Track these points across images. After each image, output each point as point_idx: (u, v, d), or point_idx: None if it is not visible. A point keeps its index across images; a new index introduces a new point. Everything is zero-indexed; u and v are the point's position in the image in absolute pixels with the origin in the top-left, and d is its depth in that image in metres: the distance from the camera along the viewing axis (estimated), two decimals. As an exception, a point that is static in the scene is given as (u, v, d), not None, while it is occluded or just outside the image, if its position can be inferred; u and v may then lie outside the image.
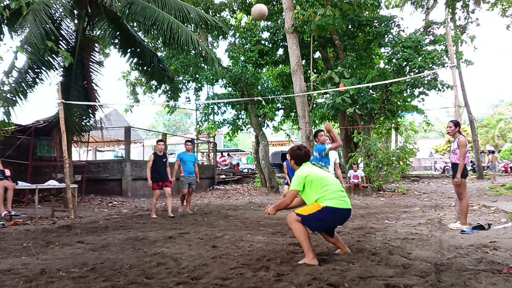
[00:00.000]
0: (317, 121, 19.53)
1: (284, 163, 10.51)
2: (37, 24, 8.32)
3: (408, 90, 14.73)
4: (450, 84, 13.61)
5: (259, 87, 17.81)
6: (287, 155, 4.28)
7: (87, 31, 11.32)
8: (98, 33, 12.07)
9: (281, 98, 17.54)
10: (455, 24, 17.95)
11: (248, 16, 20.05)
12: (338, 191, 3.91)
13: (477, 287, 3.02)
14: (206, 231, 6.01)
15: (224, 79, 17.29)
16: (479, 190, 13.98)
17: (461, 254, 4.14)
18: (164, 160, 8.47)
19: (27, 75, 9.98)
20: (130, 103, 20.03)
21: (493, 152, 23.46)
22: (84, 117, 11.23)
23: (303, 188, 3.92)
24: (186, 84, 19.14)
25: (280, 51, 18.02)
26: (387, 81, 12.61)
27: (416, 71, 13.80)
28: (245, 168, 28.12)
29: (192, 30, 14.28)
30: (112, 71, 46.26)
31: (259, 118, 17.67)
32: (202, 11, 13.10)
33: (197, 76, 17.88)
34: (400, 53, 13.81)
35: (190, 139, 10.47)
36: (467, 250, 4.33)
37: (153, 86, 17.14)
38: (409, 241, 4.96)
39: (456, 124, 6.24)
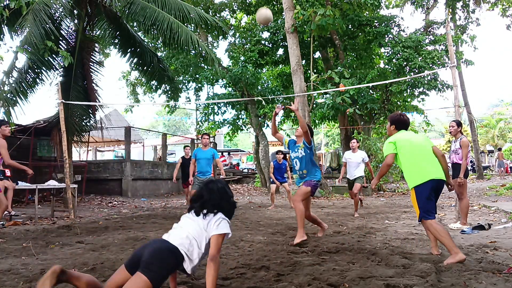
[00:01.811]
0: (317, 121, 19.54)
1: (272, 162, 10.55)
2: (37, 24, 8.31)
3: (408, 90, 14.74)
4: (450, 84, 13.61)
5: (259, 87, 17.82)
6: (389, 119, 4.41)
7: (87, 31, 11.32)
8: (98, 33, 12.07)
9: (281, 98, 17.54)
10: (455, 24, 17.94)
11: (248, 16, 20.07)
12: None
13: (477, 287, 3.02)
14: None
15: (224, 79, 17.30)
16: (479, 190, 13.97)
17: (461, 254, 4.13)
18: (190, 162, 8.58)
19: (27, 75, 9.98)
20: (130, 103, 20.04)
21: (499, 149, 23.46)
22: (84, 117, 11.22)
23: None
24: (186, 84, 19.14)
25: (280, 51, 18.02)
26: (387, 81, 12.61)
27: (416, 71, 13.80)
28: (245, 168, 28.13)
29: (192, 30, 14.28)
30: (112, 71, 46.30)
31: (259, 118, 17.67)
32: (202, 11, 13.09)
33: (197, 76, 17.89)
34: (400, 53, 13.82)
35: (207, 133, 9.02)
36: (467, 250, 4.32)
37: (153, 86, 17.12)
38: (409, 241, 4.96)
39: (459, 124, 6.25)
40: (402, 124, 4.25)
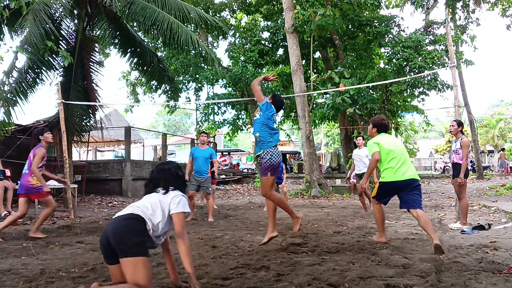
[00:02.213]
0: (317, 121, 19.54)
1: None
2: (37, 24, 8.31)
3: (408, 90, 14.73)
4: (450, 84, 13.60)
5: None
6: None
7: (87, 31, 11.32)
8: (98, 33, 12.07)
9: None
10: (455, 24, 17.93)
11: (248, 16, 20.08)
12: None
13: (477, 287, 3.02)
14: (206, 231, 6.00)
15: (224, 79, 17.30)
16: (479, 190, 13.97)
17: (461, 254, 4.14)
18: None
19: (27, 75, 9.98)
20: (130, 103, 20.04)
21: (503, 149, 23.42)
22: (84, 117, 11.22)
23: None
24: (186, 84, 19.14)
25: (280, 51, 18.02)
26: (387, 81, 12.61)
27: (416, 71, 13.80)
28: (245, 168, 28.13)
29: (192, 30, 14.27)
30: (112, 71, 46.25)
31: (259, 118, 17.64)
32: (202, 11, 13.10)
33: (197, 76, 17.89)
34: (400, 53, 13.81)
35: (205, 132, 8.90)
36: (467, 250, 4.32)
37: (153, 86, 17.13)
38: (409, 241, 4.96)
39: (459, 123, 6.25)
40: (383, 127, 4.94)
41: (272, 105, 4.76)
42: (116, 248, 2.51)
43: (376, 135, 4.91)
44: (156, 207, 2.73)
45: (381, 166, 4.77)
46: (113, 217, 2.73)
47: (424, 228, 4.46)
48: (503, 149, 22.88)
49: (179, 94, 17.85)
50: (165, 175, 2.90)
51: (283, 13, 15.12)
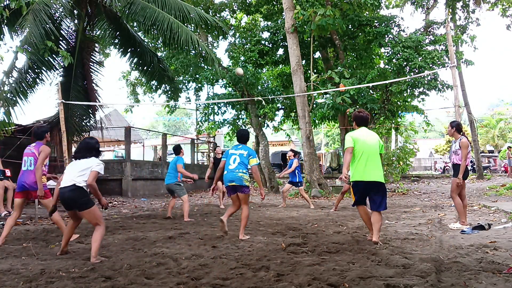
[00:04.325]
0: (317, 121, 19.52)
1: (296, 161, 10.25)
2: (37, 24, 8.31)
3: (408, 90, 14.72)
4: (450, 84, 13.60)
5: (259, 87, 17.81)
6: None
7: (87, 31, 11.32)
8: (98, 33, 12.06)
9: (281, 98, 17.52)
10: (455, 24, 17.93)
11: (248, 16, 20.08)
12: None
13: (477, 287, 3.02)
14: (206, 231, 6.01)
15: (224, 79, 17.29)
16: (479, 190, 13.98)
17: (461, 254, 4.14)
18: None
19: (27, 75, 9.97)
20: (130, 103, 20.03)
21: (509, 147, 23.32)
22: (84, 117, 11.22)
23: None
24: (186, 84, 19.13)
25: (280, 51, 18.01)
26: (387, 81, 12.61)
27: (416, 71, 13.79)
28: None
29: (192, 30, 14.27)
30: (112, 71, 46.25)
31: (259, 118, 17.66)
32: (202, 11, 13.09)
33: (197, 76, 17.87)
34: (400, 53, 13.81)
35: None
36: (467, 250, 4.32)
37: (153, 86, 17.13)
38: (409, 241, 4.96)
39: (452, 125, 6.27)
40: (360, 120, 4.96)
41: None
42: (76, 207, 4.27)
43: (356, 129, 4.97)
44: (87, 170, 4.23)
45: (352, 162, 4.81)
46: (65, 186, 4.19)
47: (372, 224, 4.75)
48: (509, 147, 22.64)
49: (179, 94, 17.85)
50: (92, 148, 4.41)
51: (283, 13, 15.12)
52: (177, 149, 8.21)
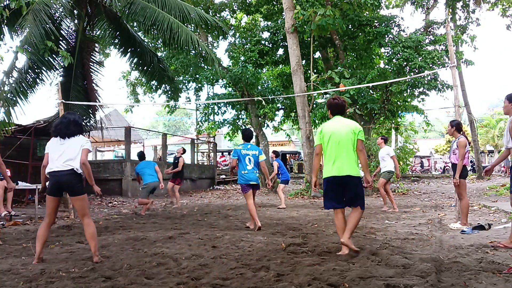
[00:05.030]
0: (317, 121, 19.52)
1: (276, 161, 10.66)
2: (37, 24, 8.31)
3: (408, 90, 14.72)
4: (450, 84, 13.59)
5: (259, 87, 17.82)
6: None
7: (87, 31, 11.31)
8: (98, 33, 12.06)
9: (281, 98, 17.53)
10: (455, 24, 17.93)
11: (248, 16, 20.07)
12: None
13: (477, 287, 3.02)
14: (206, 231, 6.01)
15: (224, 79, 17.29)
16: (479, 190, 13.98)
17: (462, 254, 4.14)
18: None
19: (27, 75, 9.97)
20: (130, 103, 20.03)
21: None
22: (84, 117, 11.20)
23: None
24: (186, 84, 19.14)
25: (280, 51, 18.01)
26: (387, 81, 12.60)
27: (416, 71, 13.79)
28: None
29: (192, 30, 14.28)
30: (112, 71, 46.25)
31: (259, 118, 17.67)
32: (202, 11, 13.09)
33: (197, 76, 17.88)
34: (400, 53, 13.81)
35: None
36: (467, 250, 4.32)
37: (153, 86, 17.13)
38: (409, 241, 4.96)
39: (453, 124, 6.27)
40: (334, 107, 4.41)
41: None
42: (68, 191, 4.19)
43: (331, 118, 4.46)
44: (80, 149, 4.15)
45: (324, 158, 4.38)
46: (61, 169, 4.03)
47: (347, 224, 4.13)
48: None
49: (179, 94, 17.86)
50: (80, 123, 4.38)
51: (283, 13, 15.11)
52: (142, 156, 9.81)
